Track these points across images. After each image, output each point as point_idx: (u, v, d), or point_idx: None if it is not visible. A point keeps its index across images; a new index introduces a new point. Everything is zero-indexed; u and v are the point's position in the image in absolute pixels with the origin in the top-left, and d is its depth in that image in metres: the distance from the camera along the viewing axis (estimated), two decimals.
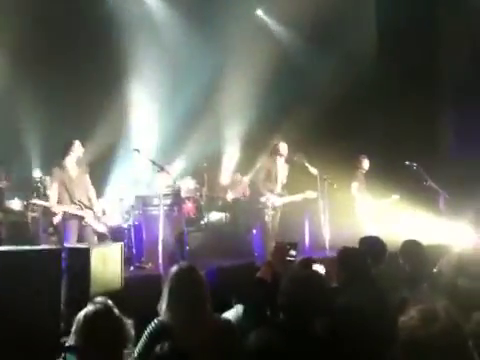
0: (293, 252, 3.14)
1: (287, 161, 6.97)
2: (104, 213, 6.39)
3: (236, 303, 3.00)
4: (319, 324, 2.40)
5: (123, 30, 8.61)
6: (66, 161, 5.78)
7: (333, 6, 8.58)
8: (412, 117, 8.17)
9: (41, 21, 7.83)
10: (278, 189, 6.88)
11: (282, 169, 6.93)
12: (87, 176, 5.99)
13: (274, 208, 6.78)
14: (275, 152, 6.86)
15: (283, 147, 6.86)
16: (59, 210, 5.64)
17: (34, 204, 6.46)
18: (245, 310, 2.83)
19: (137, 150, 6.33)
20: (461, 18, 8.32)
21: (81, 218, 5.71)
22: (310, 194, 6.94)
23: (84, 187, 5.89)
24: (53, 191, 5.74)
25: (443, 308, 1.73)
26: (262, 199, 6.70)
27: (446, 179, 7.42)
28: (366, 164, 7.68)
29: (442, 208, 7.22)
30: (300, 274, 2.66)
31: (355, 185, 7.51)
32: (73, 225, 5.66)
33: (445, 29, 8.61)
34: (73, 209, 5.68)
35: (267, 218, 6.69)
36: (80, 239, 5.60)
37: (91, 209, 5.84)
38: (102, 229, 5.96)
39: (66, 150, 5.80)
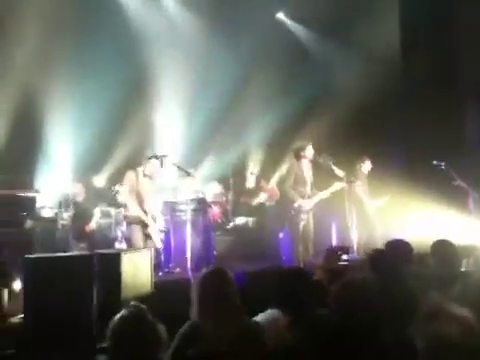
0: (345, 256, 3.18)
1: (312, 162, 6.92)
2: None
3: (271, 307, 3.00)
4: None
5: (146, 38, 8.73)
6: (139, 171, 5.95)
7: (355, 6, 8.56)
8: (436, 115, 8.05)
9: (67, 30, 7.98)
10: (308, 191, 6.81)
11: (308, 170, 6.87)
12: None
13: (307, 212, 6.72)
14: (301, 155, 6.80)
15: (309, 149, 6.81)
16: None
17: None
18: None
19: (163, 156, 6.40)
20: None
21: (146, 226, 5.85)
22: (337, 186, 6.80)
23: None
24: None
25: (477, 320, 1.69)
26: (295, 205, 6.64)
27: (473, 175, 7.29)
28: (368, 166, 7.53)
29: (471, 207, 7.09)
30: (354, 280, 2.66)
31: (358, 186, 7.31)
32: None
33: (467, 26, 8.47)
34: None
35: (302, 223, 6.63)
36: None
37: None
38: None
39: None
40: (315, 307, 2.73)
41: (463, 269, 3.65)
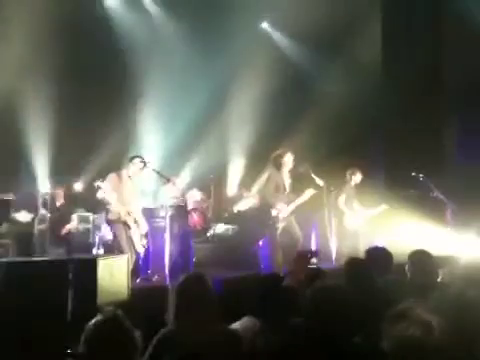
0: (314, 260, 3.19)
1: (291, 171, 6.94)
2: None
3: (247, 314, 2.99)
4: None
5: (129, 46, 8.72)
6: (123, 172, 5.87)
7: (338, 16, 8.67)
8: (417, 127, 8.18)
9: (51, 38, 7.91)
10: (286, 198, 6.83)
11: (287, 178, 6.89)
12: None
13: (284, 219, 6.73)
14: (280, 163, 6.81)
15: (288, 157, 6.82)
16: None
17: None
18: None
19: (145, 162, 6.35)
20: (467, 31, 8.34)
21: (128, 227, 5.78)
22: (310, 192, 6.77)
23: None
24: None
25: (438, 323, 1.74)
26: (273, 213, 6.63)
27: (452, 188, 7.40)
28: (358, 178, 7.54)
29: (449, 219, 7.19)
30: (325, 286, 2.66)
31: (342, 199, 7.39)
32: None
33: (449, 38, 8.64)
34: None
35: (278, 231, 6.64)
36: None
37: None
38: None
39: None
40: (288, 313, 2.73)
41: (439, 279, 3.67)
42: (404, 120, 8.39)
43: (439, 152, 8.43)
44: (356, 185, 7.56)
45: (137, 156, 6.01)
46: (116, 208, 5.72)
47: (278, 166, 6.75)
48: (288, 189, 6.81)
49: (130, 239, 5.79)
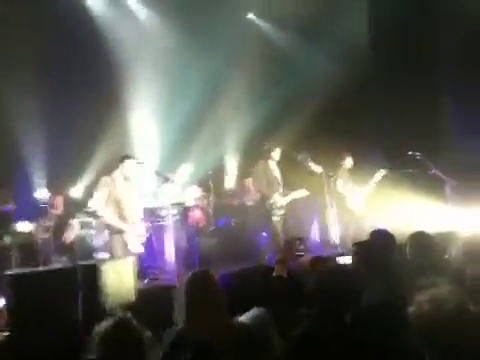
0: (302, 246, 3.16)
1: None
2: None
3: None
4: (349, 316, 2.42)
5: (117, 44, 8.66)
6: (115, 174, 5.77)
7: (324, 2, 8.65)
8: (412, 106, 8.16)
9: (40, 37, 7.84)
10: (281, 189, 6.97)
11: (277, 170, 7.01)
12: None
13: (282, 207, 6.83)
14: (268, 156, 6.95)
15: (276, 152, 6.96)
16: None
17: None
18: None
19: (141, 163, 6.34)
20: (455, 3, 8.31)
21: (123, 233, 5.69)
22: (303, 192, 7.02)
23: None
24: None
25: (450, 291, 1.78)
26: (270, 201, 6.75)
27: (451, 166, 7.42)
28: (349, 162, 7.64)
29: (449, 195, 7.21)
30: (330, 268, 2.69)
31: (340, 182, 7.44)
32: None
33: (438, 15, 8.62)
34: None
35: (276, 218, 6.74)
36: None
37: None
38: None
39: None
40: (293, 302, 2.76)
41: (446, 256, 3.71)
42: (399, 99, 8.37)
43: (436, 129, 8.43)
44: (350, 169, 7.62)
45: (128, 156, 5.93)
46: (110, 221, 5.66)
47: (266, 160, 6.91)
48: (280, 182, 6.94)
49: (129, 243, 5.71)
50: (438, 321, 1.72)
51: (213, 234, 7.83)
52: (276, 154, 7.00)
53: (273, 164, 7.04)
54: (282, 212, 6.85)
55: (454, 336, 1.69)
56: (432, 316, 1.74)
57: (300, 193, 7.03)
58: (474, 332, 1.71)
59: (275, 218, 6.77)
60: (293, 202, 7.02)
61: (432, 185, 7.30)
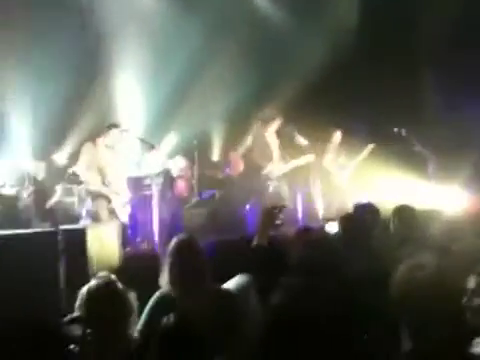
0: (281, 215, 3.13)
1: (277, 133, 6.90)
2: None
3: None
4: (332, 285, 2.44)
5: (102, 12, 8.45)
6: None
7: None
8: (396, 83, 8.18)
9: (23, 4, 7.66)
10: (277, 159, 6.78)
11: (274, 139, 6.85)
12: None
13: (278, 178, 6.68)
14: (268, 124, 6.74)
15: (277, 120, 6.76)
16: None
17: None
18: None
19: (125, 130, 6.27)
20: None
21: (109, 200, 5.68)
22: (308, 158, 6.81)
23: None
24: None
25: (428, 259, 1.80)
26: (264, 171, 6.62)
27: (435, 142, 7.48)
28: (338, 137, 7.60)
29: (431, 172, 7.29)
30: (316, 237, 2.70)
31: (327, 159, 7.43)
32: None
33: None
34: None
35: (272, 189, 6.59)
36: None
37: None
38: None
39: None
40: (278, 271, 2.78)
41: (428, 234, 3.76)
42: (384, 75, 8.37)
43: (420, 106, 8.47)
44: (338, 144, 7.62)
45: (114, 124, 5.87)
46: (94, 188, 5.63)
47: (265, 127, 6.71)
48: (277, 150, 6.76)
49: (113, 210, 5.73)
50: (412, 286, 1.72)
51: (195, 206, 7.82)
52: (276, 123, 6.74)
53: (270, 133, 6.82)
54: (277, 183, 6.66)
55: (427, 301, 1.69)
56: (407, 281, 1.75)
57: (305, 159, 6.78)
58: (448, 298, 1.70)
59: (270, 188, 6.60)
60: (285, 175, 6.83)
61: (416, 161, 7.36)
